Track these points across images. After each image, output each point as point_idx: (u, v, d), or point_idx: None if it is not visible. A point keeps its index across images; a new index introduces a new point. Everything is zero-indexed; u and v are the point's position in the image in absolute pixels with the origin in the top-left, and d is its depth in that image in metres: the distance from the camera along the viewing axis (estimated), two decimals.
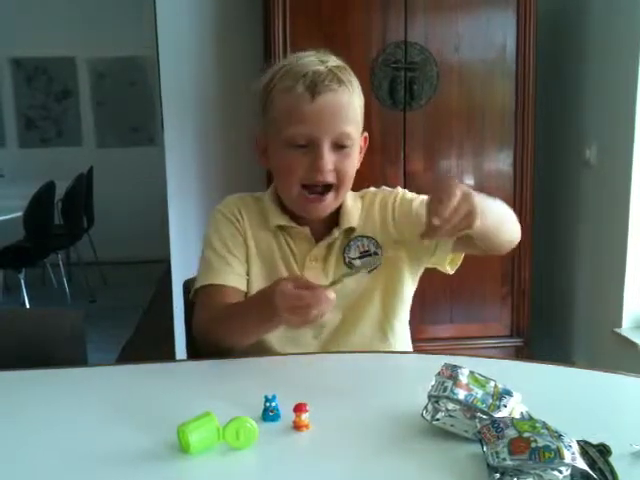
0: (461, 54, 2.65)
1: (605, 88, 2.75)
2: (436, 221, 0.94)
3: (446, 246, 1.21)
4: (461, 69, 2.66)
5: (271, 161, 1.23)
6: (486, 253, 1.21)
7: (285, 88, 1.16)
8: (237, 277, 1.24)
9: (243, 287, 1.25)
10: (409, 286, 1.30)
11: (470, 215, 0.97)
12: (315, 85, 1.14)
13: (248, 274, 1.26)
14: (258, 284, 1.25)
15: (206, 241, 1.28)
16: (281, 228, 1.26)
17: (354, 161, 1.21)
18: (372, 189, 1.34)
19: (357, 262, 1.23)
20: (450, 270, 1.27)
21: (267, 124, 1.21)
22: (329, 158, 1.15)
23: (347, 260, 1.24)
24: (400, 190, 1.31)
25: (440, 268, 1.27)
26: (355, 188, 1.28)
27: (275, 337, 1.23)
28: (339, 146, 1.16)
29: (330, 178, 1.17)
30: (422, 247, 1.23)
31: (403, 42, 2.61)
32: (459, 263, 1.26)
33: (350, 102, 1.17)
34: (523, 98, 2.67)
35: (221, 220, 1.29)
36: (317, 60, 1.17)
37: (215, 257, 1.25)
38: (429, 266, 1.28)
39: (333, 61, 1.19)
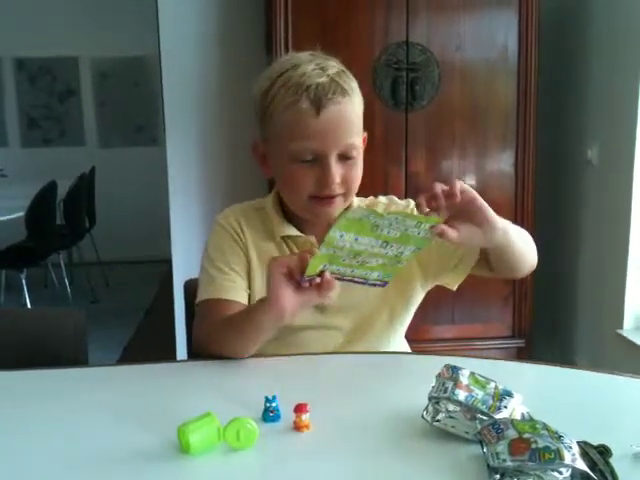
0: (463, 54, 2.65)
1: (607, 87, 2.75)
2: (437, 188, 0.98)
3: (466, 267, 1.22)
4: (463, 69, 2.66)
5: (274, 172, 1.22)
6: (502, 277, 1.25)
7: (288, 102, 1.13)
8: (238, 291, 1.22)
9: (244, 301, 1.23)
10: (418, 298, 1.31)
11: (474, 205, 1.00)
12: (319, 100, 1.11)
13: (250, 288, 1.24)
14: (262, 296, 1.26)
15: (206, 254, 1.27)
16: (286, 238, 1.25)
17: (360, 168, 1.19)
18: (382, 198, 1.31)
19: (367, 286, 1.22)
20: (455, 287, 1.28)
21: (268, 134, 1.19)
22: (336, 171, 1.14)
23: None
24: (412, 203, 1.27)
25: (447, 286, 1.28)
26: (358, 189, 1.26)
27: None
28: (345, 157, 1.15)
29: (338, 190, 1.16)
30: (440, 266, 1.24)
31: (405, 42, 2.61)
32: (462, 280, 1.27)
33: (353, 111, 1.16)
34: (525, 98, 2.67)
35: (220, 233, 1.27)
36: (318, 69, 1.14)
37: (215, 271, 1.23)
38: (439, 283, 1.29)
39: (333, 67, 1.16)
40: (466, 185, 1.00)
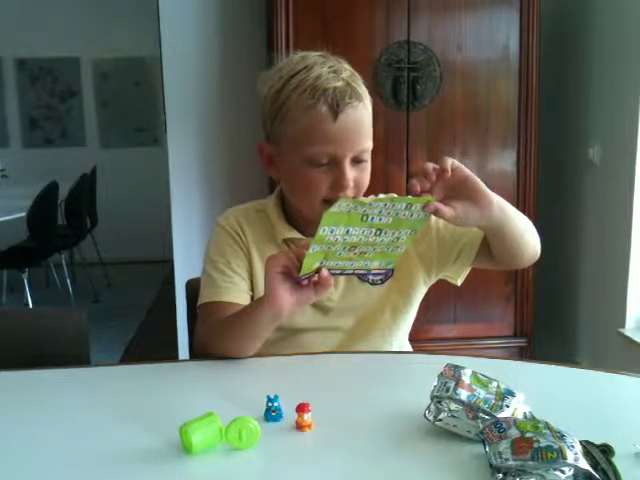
0: (464, 54, 2.65)
1: (609, 87, 2.75)
2: (428, 166, 0.98)
3: (468, 258, 1.22)
4: (464, 69, 2.66)
5: (285, 174, 1.21)
6: (505, 266, 1.22)
7: (305, 106, 1.12)
8: (240, 293, 1.22)
9: (246, 303, 1.22)
10: (420, 294, 1.30)
11: (466, 180, 1.00)
12: (337, 105, 1.11)
13: (252, 290, 1.24)
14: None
15: (207, 256, 1.26)
16: (288, 241, 1.24)
17: (369, 171, 1.19)
18: (382, 197, 1.31)
19: (369, 277, 1.23)
20: (459, 282, 1.28)
21: (278, 135, 1.18)
22: (350, 175, 1.14)
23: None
24: None
25: (451, 280, 1.28)
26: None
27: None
28: (358, 160, 1.15)
29: (351, 193, 1.15)
30: (441, 258, 1.24)
31: (406, 42, 2.61)
32: (466, 275, 1.27)
33: (367, 114, 1.16)
34: (526, 98, 2.66)
35: (221, 235, 1.27)
36: (332, 72, 1.13)
37: (217, 273, 1.23)
38: (441, 277, 1.29)
39: (346, 71, 1.16)
40: (458, 162, 1.00)
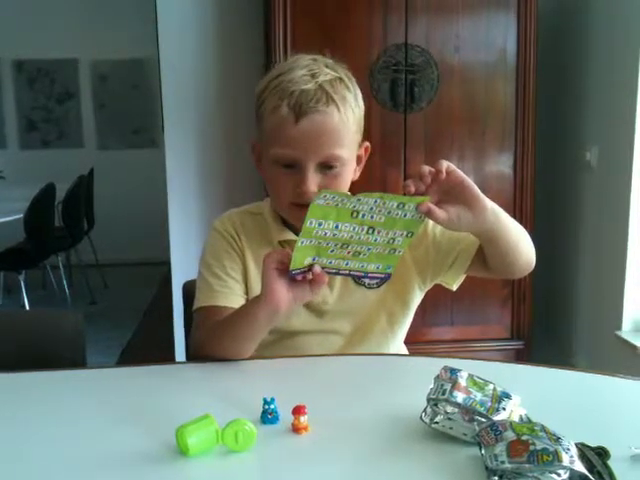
0: (462, 56, 2.65)
1: (606, 90, 2.75)
2: (424, 169, 0.97)
3: (462, 265, 1.21)
4: (462, 71, 2.67)
5: (264, 173, 1.22)
6: (499, 274, 1.21)
7: (272, 107, 1.12)
8: (235, 297, 1.22)
9: None
10: (416, 300, 1.30)
11: (461, 184, 0.99)
12: (300, 107, 1.09)
13: (247, 293, 1.24)
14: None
15: (203, 260, 1.27)
16: (283, 243, 1.24)
17: (345, 180, 1.17)
18: (373, 194, 1.31)
19: (366, 280, 1.22)
20: (455, 287, 1.27)
21: (260, 135, 1.20)
22: (313, 180, 1.12)
23: None
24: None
25: (447, 285, 1.28)
26: (357, 192, 1.25)
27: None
28: (327, 166, 1.13)
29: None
30: (437, 265, 1.23)
31: (404, 44, 2.62)
32: (461, 280, 1.27)
33: (341, 121, 1.12)
34: (524, 100, 2.67)
35: (217, 238, 1.27)
36: (308, 75, 1.11)
37: (212, 277, 1.23)
38: (438, 282, 1.28)
39: (325, 74, 1.12)
40: (453, 166, 1.00)
